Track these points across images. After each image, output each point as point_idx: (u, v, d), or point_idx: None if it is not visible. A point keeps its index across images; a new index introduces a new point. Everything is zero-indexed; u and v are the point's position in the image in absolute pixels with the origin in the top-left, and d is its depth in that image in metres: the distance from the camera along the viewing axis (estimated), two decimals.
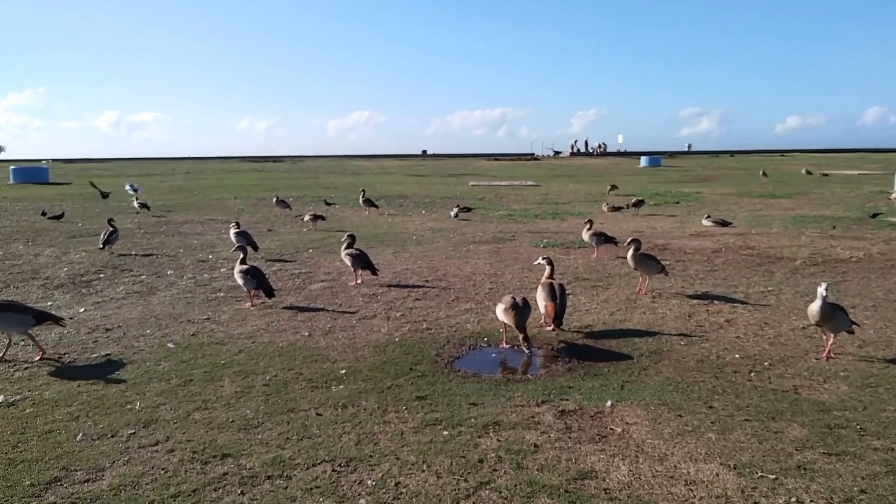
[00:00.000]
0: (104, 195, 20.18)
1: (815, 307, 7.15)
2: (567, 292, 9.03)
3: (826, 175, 45.17)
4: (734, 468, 4.85)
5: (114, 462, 4.96)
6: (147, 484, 4.62)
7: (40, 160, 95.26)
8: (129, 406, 6.01)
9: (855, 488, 4.56)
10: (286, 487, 4.56)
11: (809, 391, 6.35)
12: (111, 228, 14.49)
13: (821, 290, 7.11)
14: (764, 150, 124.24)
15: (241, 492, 4.50)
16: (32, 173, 45.25)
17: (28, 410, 5.97)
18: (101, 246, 14.10)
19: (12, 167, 46.19)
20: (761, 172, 44.80)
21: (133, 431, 5.49)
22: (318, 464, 4.91)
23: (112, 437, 5.40)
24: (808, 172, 46.37)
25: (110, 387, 6.49)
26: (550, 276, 8.73)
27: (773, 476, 4.72)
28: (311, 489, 4.53)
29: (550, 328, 8.43)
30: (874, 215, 19.76)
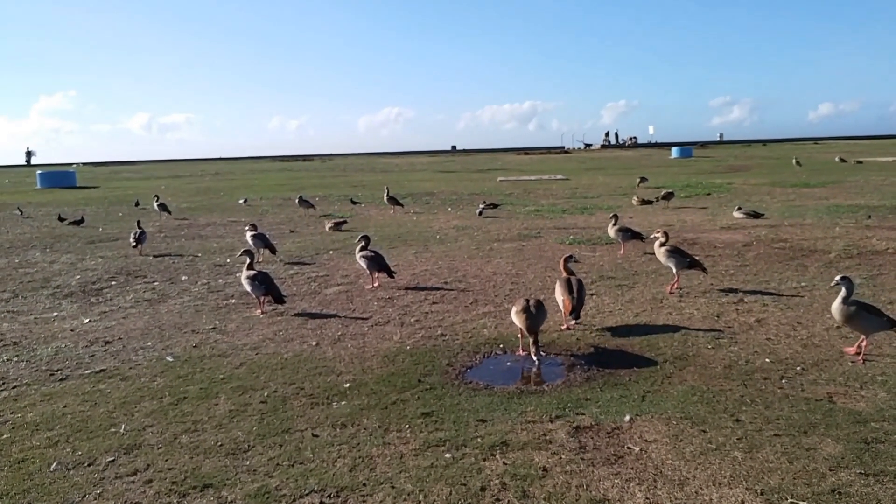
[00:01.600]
0: (76, 223, 19.81)
1: (834, 306, 6.81)
2: (589, 292, 8.68)
3: (860, 162, 44.37)
4: (761, 494, 4.40)
5: (84, 496, 4.60)
6: None
7: (71, 164, 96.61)
8: (113, 429, 5.67)
9: None
10: None
11: (845, 399, 5.87)
12: (140, 230, 15.19)
13: (835, 281, 6.81)
14: (796, 139, 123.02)
15: None
16: (59, 177, 45.87)
17: (6, 436, 5.66)
18: (134, 245, 14.85)
19: (39, 172, 46.88)
20: (794, 161, 43.97)
21: (112, 459, 5.14)
22: (307, 494, 4.53)
23: (89, 465, 5.06)
24: (842, 160, 45.73)
25: (98, 407, 6.16)
26: (570, 272, 8.57)
27: (805, 503, 4.25)
28: None
29: (565, 326, 8.30)
30: None
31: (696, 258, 10.26)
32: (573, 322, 8.29)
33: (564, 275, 8.54)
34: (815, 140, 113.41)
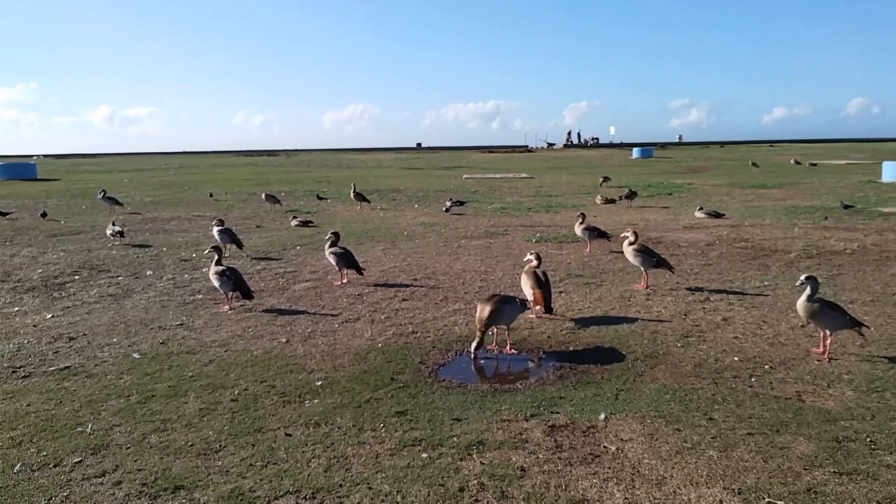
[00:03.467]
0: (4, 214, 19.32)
1: (799, 303, 6.93)
2: (558, 290, 8.84)
3: (814, 165, 45.60)
4: (739, 493, 4.40)
5: (51, 498, 4.44)
6: None
7: (31, 156, 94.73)
8: (79, 429, 5.50)
9: None
10: None
11: (814, 398, 5.94)
12: (118, 228, 15.28)
13: (799, 281, 6.94)
14: (752, 141, 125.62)
15: None
16: (19, 169, 44.78)
17: None
18: (122, 235, 15.09)
19: None
20: (751, 163, 45.13)
21: (79, 460, 4.97)
22: (281, 496, 4.43)
23: (55, 466, 4.89)
24: (797, 162, 46.99)
25: (63, 406, 5.98)
26: (536, 266, 8.73)
27: (782, 502, 4.28)
28: None
29: (533, 316, 8.49)
30: (847, 206, 19.53)
31: (664, 257, 10.34)
32: (544, 314, 8.43)
33: (531, 268, 8.69)
34: (770, 142, 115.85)
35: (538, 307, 8.44)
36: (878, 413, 5.59)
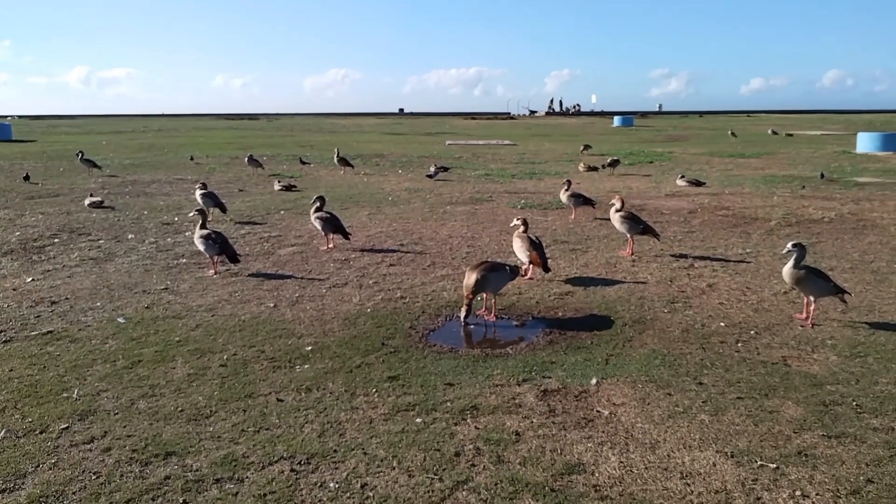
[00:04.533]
0: None
1: (785, 270, 6.97)
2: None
3: (791, 135, 46.10)
4: (731, 456, 4.41)
5: (38, 466, 4.34)
6: (74, 493, 4.01)
7: (5, 117, 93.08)
8: (65, 394, 5.39)
9: (861, 477, 4.15)
10: (236, 493, 4.00)
11: (799, 362, 5.99)
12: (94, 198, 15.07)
13: (786, 249, 6.97)
14: (731, 111, 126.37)
15: (184, 500, 3.92)
16: None
17: None
18: (100, 203, 14.80)
19: None
20: (730, 132, 45.44)
21: (66, 426, 4.87)
22: (276, 462, 4.37)
23: (41, 433, 4.78)
24: (774, 132, 47.70)
25: (47, 371, 5.86)
26: (523, 232, 8.79)
27: (774, 465, 4.29)
28: (265, 495, 3.98)
29: (528, 277, 8.70)
30: (822, 175, 19.89)
31: (650, 224, 10.36)
32: (531, 275, 8.55)
33: (521, 232, 8.72)
34: (748, 113, 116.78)
35: (535, 268, 8.56)
36: (862, 377, 5.64)
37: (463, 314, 7.00)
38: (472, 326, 7.11)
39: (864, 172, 21.37)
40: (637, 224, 9.98)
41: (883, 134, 30.87)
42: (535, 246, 8.48)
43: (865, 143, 30.62)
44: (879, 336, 6.63)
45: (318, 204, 10.62)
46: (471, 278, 7.00)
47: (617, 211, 10.09)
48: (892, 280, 8.61)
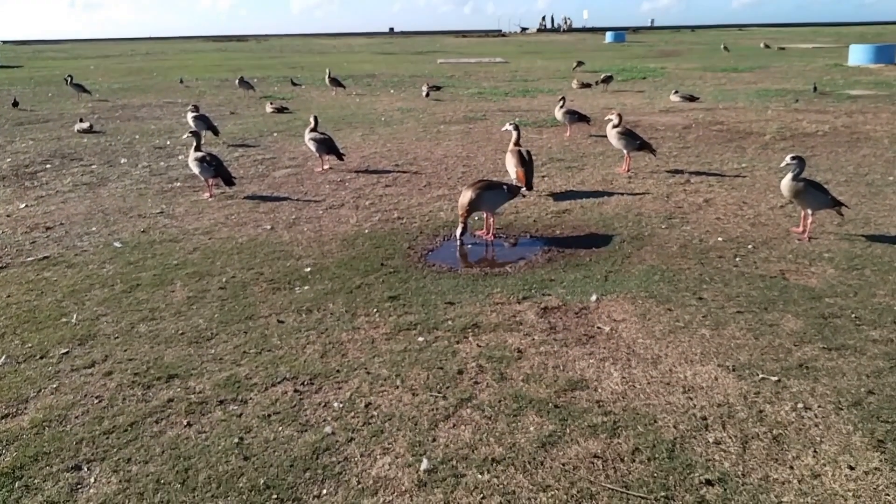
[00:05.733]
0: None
1: (784, 182, 6.91)
2: (540, 175, 9.08)
3: (783, 49, 45.51)
4: (733, 370, 4.43)
5: (40, 390, 4.33)
6: (76, 417, 4.01)
7: None
8: (64, 319, 5.36)
9: (862, 389, 4.16)
10: (240, 415, 4.01)
11: (797, 276, 5.98)
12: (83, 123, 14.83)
13: (786, 161, 6.85)
14: (722, 25, 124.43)
15: (188, 422, 3.93)
16: None
17: None
18: (91, 130, 14.58)
19: None
20: (722, 47, 44.59)
21: (66, 351, 4.85)
22: (279, 383, 4.37)
23: (41, 358, 4.76)
24: (766, 46, 47.28)
25: (45, 297, 5.82)
26: (517, 143, 8.68)
27: (776, 378, 4.31)
28: (269, 416, 3.99)
29: (523, 195, 8.56)
30: (815, 89, 19.68)
31: (647, 140, 10.25)
32: (525, 192, 8.43)
33: (514, 146, 8.62)
34: (740, 27, 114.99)
35: (521, 183, 8.44)
36: (860, 290, 5.65)
37: (458, 232, 6.94)
38: (468, 246, 7.06)
39: (856, 85, 21.18)
40: (634, 140, 9.86)
41: (875, 46, 30.65)
42: (524, 162, 8.38)
43: (857, 55, 30.45)
44: (876, 248, 6.62)
45: (312, 124, 10.43)
46: (465, 197, 6.91)
47: (614, 127, 9.95)
48: (886, 192, 8.59)
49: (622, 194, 8.79)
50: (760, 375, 4.35)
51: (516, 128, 8.80)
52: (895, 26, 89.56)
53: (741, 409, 3.99)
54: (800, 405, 4.01)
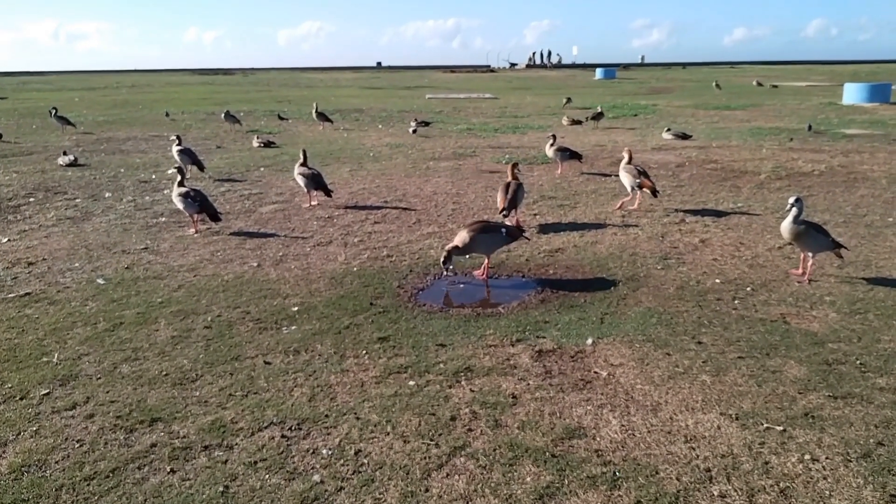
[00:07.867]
0: None
1: (784, 225, 6.81)
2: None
3: (776, 87, 45.70)
4: (736, 419, 4.30)
5: (19, 433, 4.15)
6: (57, 462, 3.84)
7: None
8: (45, 359, 5.19)
9: (871, 440, 4.03)
10: (226, 461, 3.85)
11: (798, 320, 5.86)
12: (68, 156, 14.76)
13: (790, 203, 6.76)
14: (714, 62, 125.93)
15: (172, 469, 3.77)
16: None
17: None
18: (76, 163, 14.48)
19: None
20: (714, 84, 44.68)
21: (47, 391, 4.68)
22: (265, 427, 4.21)
23: (21, 399, 4.59)
24: (759, 84, 47.09)
25: (26, 335, 5.65)
26: (514, 177, 9.02)
27: (781, 427, 4.18)
28: (256, 462, 3.83)
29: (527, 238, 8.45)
30: (810, 127, 19.67)
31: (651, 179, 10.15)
32: (504, 218, 8.70)
33: (509, 179, 8.94)
34: (731, 64, 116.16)
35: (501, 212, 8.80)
36: (864, 335, 5.54)
37: (442, 259, 6.79)
38: (461, 285, 6.94)
39: (851, 124, 21.21)
40: (635, 178, 9.76)
41: (869, 84, 30.69)
42: (506, 192, 8.77)
43: (852, 94, 30.43)
44: (878, 292, 6.53)
45: (302, 158, 10.34)
46: (460, 238, 6.80)
47: (628, 163, 9.90)
48: (886, 234, 8.53)
49: (615, 233, 8.71)
50: (765, 425, 4.22)
51: (514, 167, 9.24)
52: (889, 65, 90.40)
53: (746, 460, 3.86)
54: (807, 456, 3.88)
